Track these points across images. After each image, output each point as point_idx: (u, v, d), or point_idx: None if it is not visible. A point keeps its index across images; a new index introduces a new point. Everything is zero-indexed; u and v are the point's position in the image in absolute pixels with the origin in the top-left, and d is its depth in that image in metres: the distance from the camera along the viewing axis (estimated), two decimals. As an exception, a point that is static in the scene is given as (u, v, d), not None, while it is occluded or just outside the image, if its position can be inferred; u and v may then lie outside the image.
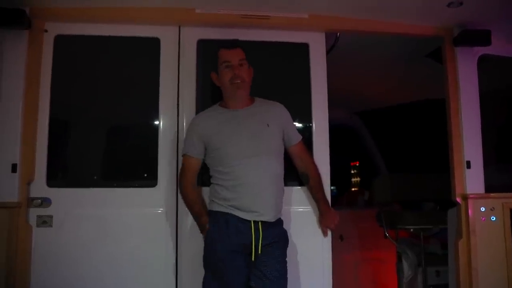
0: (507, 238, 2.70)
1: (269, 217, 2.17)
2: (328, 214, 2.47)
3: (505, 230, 2.71)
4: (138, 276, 2.46)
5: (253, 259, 2.13)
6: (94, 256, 2.45)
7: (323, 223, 2.51)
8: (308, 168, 2.42)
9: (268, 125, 2.24)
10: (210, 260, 2.17)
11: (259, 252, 2.13)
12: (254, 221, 2.13)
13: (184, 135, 2.41)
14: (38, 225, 2.41)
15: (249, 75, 2.27)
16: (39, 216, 2.42)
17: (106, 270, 2.45)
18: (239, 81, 2.21)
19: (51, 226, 2.42)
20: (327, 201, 2.48)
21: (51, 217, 2.42)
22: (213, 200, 2.23)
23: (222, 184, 2.19)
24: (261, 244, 2.13)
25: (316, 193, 2.46)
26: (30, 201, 2.42)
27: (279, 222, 2.26)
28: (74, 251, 2.43)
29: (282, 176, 2.28)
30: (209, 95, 2.54)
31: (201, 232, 2.26)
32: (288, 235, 2.30)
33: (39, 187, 2.44)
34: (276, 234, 2.21)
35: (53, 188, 2.46)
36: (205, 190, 2.38)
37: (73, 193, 2.51)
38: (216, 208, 2.20)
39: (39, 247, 2.40)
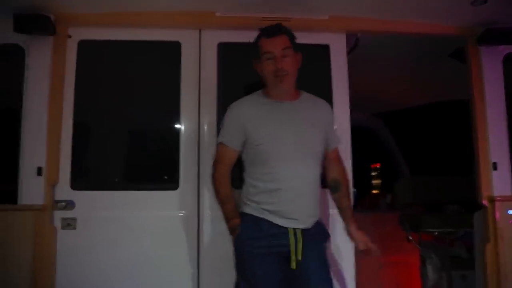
0: (536, 242, 2.62)
1: (307, 225, 2.00)
2: (359, 237, 2.15)
3: (534, 233, 2.63)
4: (159, 279, 2.47)
5: (294, 267, 1.94)
6: (117, 258, 2.47)
7: (367, 252, 2.16)
8: (341, 177, 2.20)
9: (313, 124, 2.05)
10: (240, 265, 2.04)
11: (300, 258, 1.95)
12: (293, 229, 1.96)
13: (209, 135, 2.42)
14: (62, 227, 2.45)
15: (295, 65, 2.05)
16: (63, 219, 2.46)
17: (128, 272, 2.47)
18: (283, 74, 2.00)
19: (75, 228, 2.45)
20: (355, 220, 2.18)
21: (75, 219, 2.46)
22: (246, 202, 2.05)
23: (259, 186, 2.00)
24: (301, 250, 1.95)
25: (345, 208, 2.18)
26: (55, 204, 2.46)
27: (317, 223, 2.06)
28: (98, 253, 2.46)
29: (320, 181, 2.10)
30: (231, 97, 2.53)
31: (231, 234, 2.05)
32: None
33: (64, 190, 2.48)
34: (315, 233, 2.03)
35: (77, 190, 2.50)
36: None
37: (97, 195, 2.54)
38: (249, 210, 2.02)
39: (63, 249, 2.44)
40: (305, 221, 1.99)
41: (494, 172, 2.67)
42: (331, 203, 2.44)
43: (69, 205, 2.47)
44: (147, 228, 2.51)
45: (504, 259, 2.58)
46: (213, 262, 2.45)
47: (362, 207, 4.57)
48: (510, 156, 2.71)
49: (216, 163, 2.11)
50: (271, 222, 1.97)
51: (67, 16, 2.53)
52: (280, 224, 1.96)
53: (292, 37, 2.05)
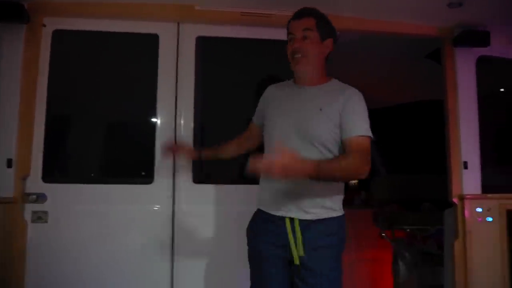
0: (503, 239, 2.70)
1: (309, 216, 1.82)
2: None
3: (500, 231, 2.71)
4: (134, 272, 2.46)
5: (296, 262, 1.81)
6: (90, 252, 2.44)
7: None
8: (349, 164, 1.86)
9: (321, 109, 1.86)
10: (249, 256, 1.98)
11: (303, 254, 1.80)
12: (290, 219, 1.83)
13: (182, 132, 2.39)
14: (33, 221, 2.40)
15: (317, 48, 1.93)
16: (34, 212, 2.41)
17: (101, 266, 2.44)
18: (299, 56, 1.90)
19: (46, 222, 2.41)
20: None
21: (46, 213, 2.41)
22: (258, 194, 1.99)
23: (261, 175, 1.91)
24: (304, 246, 1.80)
25: None
26: (26, 197, 2.41)
27: (326, 220, 1.85)
28: (70, 247, 2.42)
29: None
30: (208, 92, 2.53)
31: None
32: None
33: (35, 183, 2.43)
34: (323, 234, 1.84)
35: (49, 183, 2.45)
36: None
37: (69, 189, 2.49)
38: (257, 203, 1.98)
39: (34, 243, 2.39)
40: (304, 213, 1.83)
41: (465, 171, 2.74)
42: None
43: (41, 198, 2.42)
44: (120, 222, 2.49)
45: (471, 255, 2.66)
46: (187, 257, 2.45)
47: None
48: (480, 156, 2.78)
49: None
50: (271, 214, 1.88)
51: (42, 4, 2.47)
52: (277, 214, 1.86)
53: (320, 21, 1.95)
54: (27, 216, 2.40)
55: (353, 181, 6.21)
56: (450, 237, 2.79)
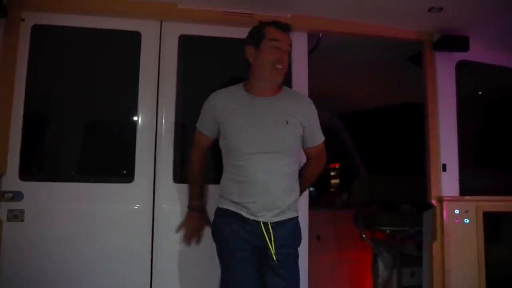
0: (479, 240, 2.76)
1: (278, 218, 2.01)
2: None
3: (477, 232, 2.76)
4: (112, 273, 2.42)
5: (269, 259, 1.99)
6: (67, 252, 2.39)
7: None
8: (313, 169, 2.27)
9: (287, 122, 2.04)
10: (221, 259, 2.08)
11: (273, 252, 1.98)
12: (264, 223, 1.99)
13: (163, 131, 2.37)
14: (8, 220, 2.34)
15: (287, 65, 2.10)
16: (10, 210, 2.35)
17: (80, 266, 2.40)
18: (281, 67, 2.02)
19: (22, 220, 2.35)
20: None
21: (22, 211, 2.36)
22: (222, 196, 2.09)
23: (230, 177, 2.05)
24: (274, 245, 1.99)
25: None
26: (1, 195, 2.34)
27: (292, 219, 2.08)
28: (46, 246, 2.38)
29: (294, 177, 2.11)
30: (190, 91, 2.51)
31: (188, 209, 2.28)
32: None
33: (11, 181, 2.37)
34: (289, 232, 2.06)
35: (26, 181, 2.40)
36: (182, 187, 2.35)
37: (47, 187, 2.44)
38: (225, 205, 2.06)
39: (9, 242, 2.33)
40: (275, 216, 2.00)
41: (443, 173, 2.78)
42: None
43: (17, 196, 2.36)
44: (100, 222, 2.45)
45: (449, 256, 2.70)
46: (167, 256, 2.42)
47: (318, 204, 4.66)
48: (458, 158, 2.82)
49: (192, 146, 2.24)
50: (245, 217, 2.00)
51: (21, -2, 2.43)
52: (251, 218, 2.00)
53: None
54: (3, 214, 2.34)
55: (335, 182, 6.30)
56: (428, 239, 2.83)
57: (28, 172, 2.44)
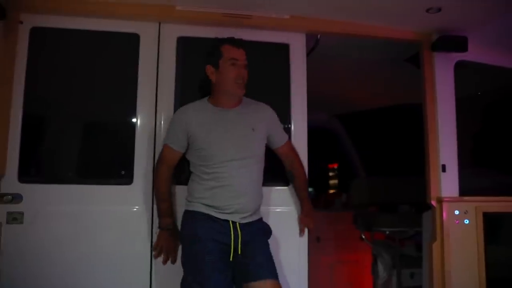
0: (479, 241, 2.75)
1: (247, 219, 2.18)
2: (309, 214, 2.51)
3: (477, 233, 2.76)
4: (112, 275, 2.42)
5: (231, 259, 2.12)
6: (67, 255, 2.39)
7: (303, 222, 2.53)
8: (294, 168, 2.46)
9: (253, 129, 2.24)
10: (190, 260, 2.13)
11: (239, 252, 2.13)
12: (233, 222, 2.14)
13: (162, 132, 2.39)
14: (8, 222, 2.34)
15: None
16: (9, 213, 2.34)
17: (79, 268, 2.39)
18: (241, 81, 2.20)
19: (21, 223, 2.35)
20: (310, 201, 2.52)
21: (22, 213, 2.35)
22: (191, 201, 2.21)
23: (203, 184, 2.18)
24: (241, 243, 2.13)
25: (300, 192, 2.50)
26: (0, 197, 2.34)
27: (259, 220, 2.27)
28: (46, 249, 2.37)
29: (261, 181, 2.28)
30: (189, 93, 2.51)
31: (159, 227, 2.31)
32: None
33: (10, 183, 2.37)
34: (256, 228, 2.22)
35: (25, 184, 2.40)
36: (182, 189, 2.35)
37: (46, 189, 2.44)
38: (195, 208, 2.18)
39: (8, 244, 2.33)
40: (246, 217, 2.17)
41: (443, 174, 2.78)
42: (275, 201, 2.56)
43: (16, 198, 2.36)
44: (99, 224, 2.44)
45: (449, 257, 2.70)
46: (166, 259, 2.42)
47: (318, 205, 4.66)
48: (458, 159, 2.82)
49: (159, 163, 2.31)
50: (216, 217, 2.14)
51: (20, 0, 2.42)
52: (221, 218, 2.13)
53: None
54: (2, 217, 2.33)
55: (334, 182, 6.29)
56: (428, 239, 2.82)
57: (27, 174, 2.44)
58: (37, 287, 2.35)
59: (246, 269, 2.12)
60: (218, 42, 2.24)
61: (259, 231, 2.23)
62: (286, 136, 2.45)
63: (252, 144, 2.23)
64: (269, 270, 2.14)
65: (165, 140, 2.30)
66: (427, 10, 2.58)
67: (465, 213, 2.76)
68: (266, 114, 2.35)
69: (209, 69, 2.23)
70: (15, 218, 2.35)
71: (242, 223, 2.16)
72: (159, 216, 2.31)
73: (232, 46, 2.20)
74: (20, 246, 2.35)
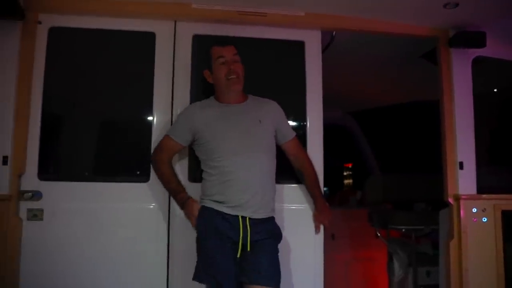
0: (497, 239, 2.72)
1: (258, 215, 2.16)
2: (323, 210, 2.48)
3: (496, 231, 2.73)
4: (130, 271, 2.45)
5: (238, 255, 2.12)
6: (85, 251, 2.42)
7: (318, 219, 2.51)
8: (302, 165, 2.44)
9: (260, 121, 2.25)
10: (202, 255, 2.16)
11: (248, 248, 2.13)
12: (242, 217, 2.13)
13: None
14: (28, 219, 2.38)
15: (242, 70, 2.27)
16: (29, 210, 2.39)
17: (97, 264, 2.43)
18: (234, 76, 2.21)
19: (41, 219, 2.39)
20: (323, 197, 2.49)
21: (41, 210, 2.39)
22: (203, 198, 2.22)
23: (211, 180, 2.19)
24: (250, 240, 2.13)
25: (312, 190, 2.47)
26: (21, 194, 2.39)
27: (271, 219, 2.24)
28: (65, 245, 2.41)
29: (274, 174, 2.27)
30: (204, 90, 2.52)
31: (181, 209, 2.25)
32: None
33: (30, 180, 2.41)
34: (268, 230, 2.20)
35: (44, 181, 2.43)
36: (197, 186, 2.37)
37: (65, 187, 2.48)
38: (206, 204, 2.19)
39: (29, 241, 2.37)
40: (254, 211, 2.15)
41: (460, 171, 2.75)
42: (289, 198, 2.56)
43: (36, 195, 2.40)
44: (116, 221, 2.48)
45: (466, 255, 2.67)
46: (183, 255, 2.42)
47: (332, 203, 4.65)
48: (476, 156, 2.79)
49: (159, 149, 2.34)
50: (226, 213, 2.14)
51: (38, 1, 2.46)
52: (231, 213, 2.13)
53: (237, 50, 2.28)
54: (23, 214, 2.38)
55: (348, 181, 6.27)
56: (445, 237, 2.80)
57: (46, 172, 2.48)
58: (57, 282, 2.39)
59: (248, 270, 2.11)
60: (209, 48, 2.29)
61: (269, 234, 2.20)
62: (293, 133, 2.42)
63: (259, 136, 2.23)
64: (271, 277, 2.12)
65: (168, 131, 2.33)
66: (445, 6, 2.55)
67: (483, 211, 2.73)
68: (272, 108, 2.36)
69: (206, 73, 2.31)
70: (35, 215, 2.39)
71: (253, 219, 2.14)
72: (174, 196, 2.30)
73: (218, 46, 2.26)
74: (40, 242, 2.38)
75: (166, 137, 2.32)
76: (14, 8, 2.33)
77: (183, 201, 2.22)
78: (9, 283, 2.31)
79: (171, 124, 2.52)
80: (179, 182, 2.32)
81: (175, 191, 2.28)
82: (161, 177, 2.33)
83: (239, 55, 2.27)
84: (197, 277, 2.15)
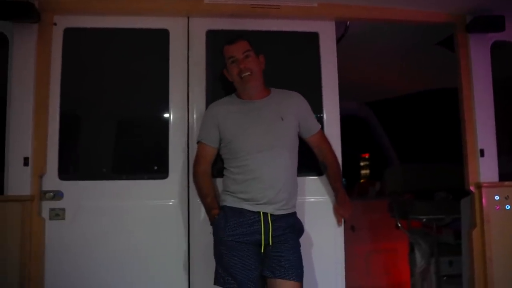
0: (522, 226, 2.67)
1: (281, 211, 2.17)
2: (344, 203, 2.47)
3: (520, 218, 2.67)
4: (151, 268, 2.47)
5: (262, 250, 2.13)
6: (106, 249, 2.46)
7: (338, 212, 2.50)
8: (326, 158, 2.42)
9: (282, 118, 2.23)
10: (218, 252, 2.16)
11: (270, 243, 2.13)
12: (263, 213, 2.13)
13: (198, 123, 2.43)
14: (51, 218, 2.42)
15: (258, 64, 2.25)
16: (51, 209, 2.43)
17: (118, 262, 2.46)
18: (247, 73, 2.20)
19: (63, 219, 2.43)
20: (344, 190, 2.48)
21: (63, 210, 2.43)
22: (224, 195, 2.24)
23: (234, 177, 2.20)
24: (272, 235, 2.13)
25: (334, 182, 2.46)
26: (43, 194, 2.43)
27: (292, 214, 2.24)
28: (87, 243, 2.45)
29: (295, 170, 2.27)
30: (219, 86, 2.53)
31: (211, 224, 2.24)
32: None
33: (51, 180, 2.45)
34: (289, 224, 2.19)
35: (65, 181, 2.47)
36: (218, 181, 2.38)
37: (85, 186, 2.51)
38: (227, 203, 2.19)
39: (52, 240, 2.42)
40: (279, 207, 2.16)
41: (481, 159, 2.69)
42: (310, 191, 2.55)
43: (57, 195, 2.44)
44: (136, 218, 2.50)
45: (490, 244, 2.62)
46: (204, 251, 2.43)
47: (351, 195, 4.62)
48: (497, 143, 2.73)
49: (197, 161, 2.32)
50: (247, 210, 2.14)
51: (52, 2, 2.48)
52: (253, 210, 2.14)
53: (250, 42, 2.27)
54: (45, 213, 2.42)
55: (365, 172, 6.22)
56: (467, 226, 2.76)
57: (66, 171, 2.51)
58: (81, 280, 2.43)
59: (271, 264, 2.11)
60: (222, 47, 2.29)
61: (291, 228, 2.19)
62: (319, 125, 2.41)
63: (281, 133, 2.22)
64: (294, 271, 2.11)
65: (198, 137, 2.33)
66: (461, -10, 2.50)
67: (505, 198, 2.68)
68: (296, 102, 2.33)
69: (225, 72, 2.32)
70: (57, 214, 2.43)
71: (275, 215, 2.15)
72: (207, 211, 2.28)
73: (228, 45, 2.26)
74: (63, 241, 2.43)
75: (199, 144, 2.32)
76: (30, 11, 2.36)
77: (211, 220, 2.24)
78: (35, 284, 2.36)
79: (187, 120, 2.54)
80: (214, 197, 2.29)
81: (209, 207, 2.26)
82: (198, 191, 2.31)
83: (253, 49, 2.25)
84: (218, 281, 2.15)
